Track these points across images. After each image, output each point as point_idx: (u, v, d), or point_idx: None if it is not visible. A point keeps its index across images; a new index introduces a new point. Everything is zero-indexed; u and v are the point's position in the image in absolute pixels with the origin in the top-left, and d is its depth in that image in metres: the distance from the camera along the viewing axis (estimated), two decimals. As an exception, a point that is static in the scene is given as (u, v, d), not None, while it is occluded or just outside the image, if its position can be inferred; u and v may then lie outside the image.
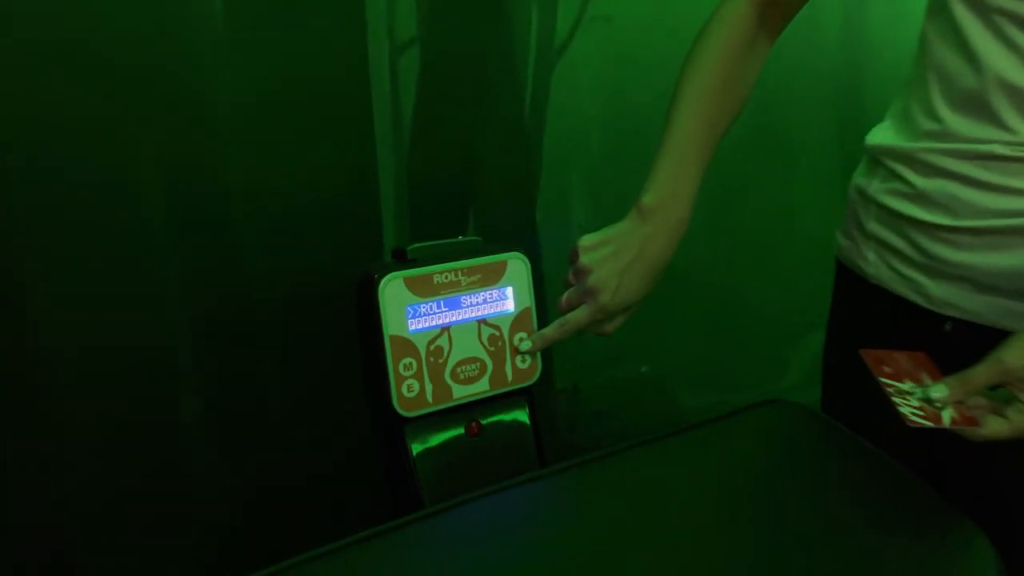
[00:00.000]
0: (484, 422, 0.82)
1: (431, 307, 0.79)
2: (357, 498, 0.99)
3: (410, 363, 0.77)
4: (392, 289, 0.76)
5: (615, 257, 0.79)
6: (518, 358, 0.83)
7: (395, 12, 1.10)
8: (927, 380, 0.66)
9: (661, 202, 0.79)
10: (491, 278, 0.82)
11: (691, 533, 0.63)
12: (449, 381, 0.80)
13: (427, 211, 1.16)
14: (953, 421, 0.62)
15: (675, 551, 0.61)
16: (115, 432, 0.98)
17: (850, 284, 0.85)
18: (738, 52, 0.82)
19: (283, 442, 1.07)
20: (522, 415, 0.84)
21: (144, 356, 0.99)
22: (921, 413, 0.62)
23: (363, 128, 1.09)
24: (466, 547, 0.62)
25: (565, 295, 0.82)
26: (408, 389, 0.77)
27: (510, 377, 0.83)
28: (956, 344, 0.71)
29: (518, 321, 0.83)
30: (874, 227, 0.80)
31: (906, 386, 0.65)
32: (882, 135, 0.80)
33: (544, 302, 0.93)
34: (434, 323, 0.79)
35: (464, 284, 0.80)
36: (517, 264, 0.83)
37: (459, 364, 0.80)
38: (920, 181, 0.74)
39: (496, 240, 0.85)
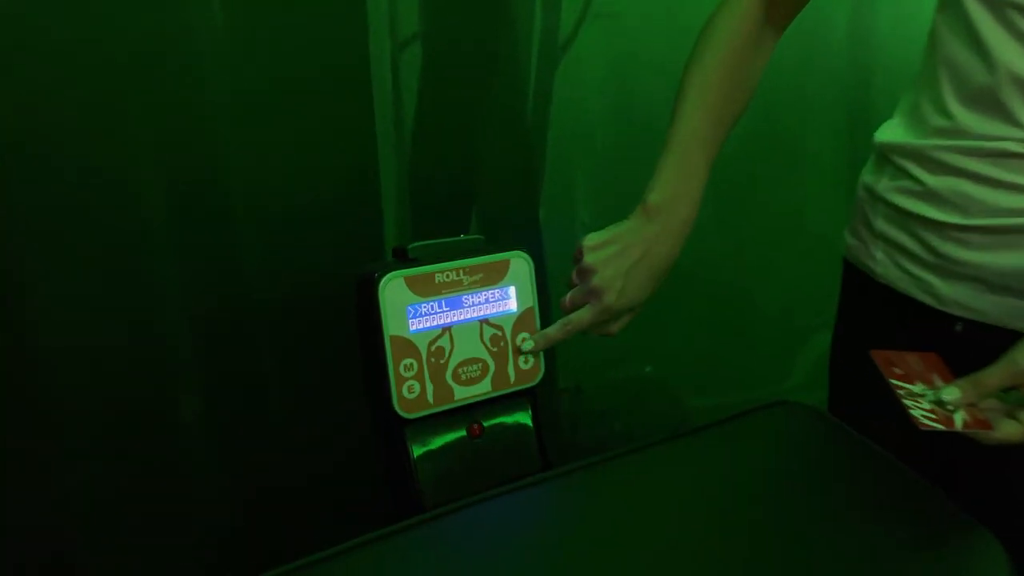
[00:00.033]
0: (486, 424, 0.81)
1: (432, 307, 0.78)
2: (357, 498, 0.98)
3: (411, 364, 0.76)
4: (392, 289, 0.75)
5: (620, 257, 0.78)
6: (521, 359, 0.82)
7: (397, 8, 1.10)
8: (938, 382, 0.65)
9: (667, 201, 0.78)
10: (493, 277, 0.81)
11: (698, 539, 0.62)
12: (450, 382, 0.79)
13: (429, 209, 1.16)
14: (965, 424, 0.61)
15: (682, 557, 0.60)
16: (115, 432, 0.98)
17: (858, 284, 0.84)
18: (743, 47, 0.81)
19: (283, 442, 1.07)
20: (525, 417, 0.83)
21: (144, 356, 0.99)
22: (933, 416, 0.61)
23: (364, 125, 1.09)
24: (467, 552, 0.61)
25: (569, 295, 0.82)
26: (409, 390, 0.76)
27: (512, 378, 0.82)
28: (967, 345, 0.71)
29: (521, 321, 0.82)
30: (883, 226, 0.79)
31: (917, 388, 0.64)
32: (891, 132, 0.79)
33: (547, 302, 0.92)
34: (435, 323, 0.78)
35: (466, 283, 0.79)
36: (520, 263, 0.82)
37: (460, 365, 0.79)
38: (930, 179, 0.73)
39: (499, 239, 0.84)
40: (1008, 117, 0.66)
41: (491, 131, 1.21)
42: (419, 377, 0.77)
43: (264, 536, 1.06)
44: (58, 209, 0.91)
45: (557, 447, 0.90)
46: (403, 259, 0.78)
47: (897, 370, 0.65)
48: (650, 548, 0.61)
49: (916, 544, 0.62)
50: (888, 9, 1.55)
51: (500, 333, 0.81)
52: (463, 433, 0.80)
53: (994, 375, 0.62)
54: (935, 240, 0.73)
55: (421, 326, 0.77)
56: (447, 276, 0.78)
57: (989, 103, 0.67)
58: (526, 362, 0.83)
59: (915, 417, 0.61)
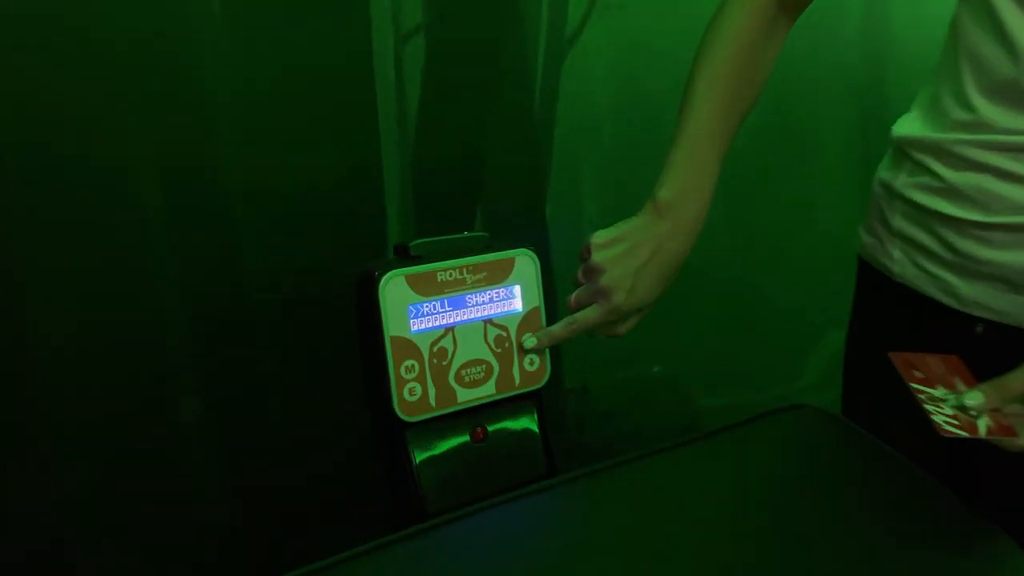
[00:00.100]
0: (490, 428, 0.80)
1: (434, 306, 0.76)
2: (357, 498, 0.98)
3: (412, 365, 0.75)
4: (393, 287, 0.74)
5: (630, 255, 0.76)
6: (526, 360, 0.81)
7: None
8: (960, 386, 0.63)
9: (677, 196, 0.77)
10: (498, 276, 0.80)
11: (709, 548, 0.60)
12: (453, 384, 0.78)
13: (432, 206, 1.15)
14: (989, 431, 0.59)
15: (693, 567, 0.59)
16: (115, 432, 0.97)
17: (873, 283, 0.82)
18: (754, 38, 0.79)
19: (283, 442, 1.07)
20: (530, 420, 0.82)
21: (144, 355, 0.98)
22: (955, 422, 0.59)
23: (366, 120, 1.07)
24: (470, 563, 0.60)
25: (575, 294, 0.80)
26: (410, 393, 0.75)
27: (517, 380, 0.81)
28: (988, 347, 0.69)
29: (526, 321, 0.81)
30: (900, 223, 0.77)
31: (938, 392, 0.62)
32: (909, 126, 0.77)
33: (554, 301, 0.91)
34: (437, 323, 0.77)
35: (469, 282, 0.78)
36: (525, 261, 0.81)
37: (464, 366, 0.78)
38: (950, 174, 0.71)
39: (504, 236, 0.83)
40: None
41: (496, 126, 1.20)
42: (421, 379, 0.76)
43: (264, 536, 1.06)
44: (57, 208, 0.90)
45: (563, 448, 0.90)
46: (404, 257, 0.77)
47: (917, 373, 0.63)
48: (661, 558, 0.59)
49: (938, 554, 0.61)
50: (903, 1, 1.53)
51: (504, 334, 0.80)
52: (466, 437, 0.79)
53: (1019, 379, 0.60)
54: (955, 238, 0.71)
55: (423, 326, 0.76)
56: (450, 275, 0.77)
57: (1014, 96, 0.66)
58: (531, 364, 0.82)
59: (937, 423, 0.59)
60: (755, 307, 1.51)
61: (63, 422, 0.95)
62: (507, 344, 0.80)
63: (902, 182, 0.77)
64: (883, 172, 0.81)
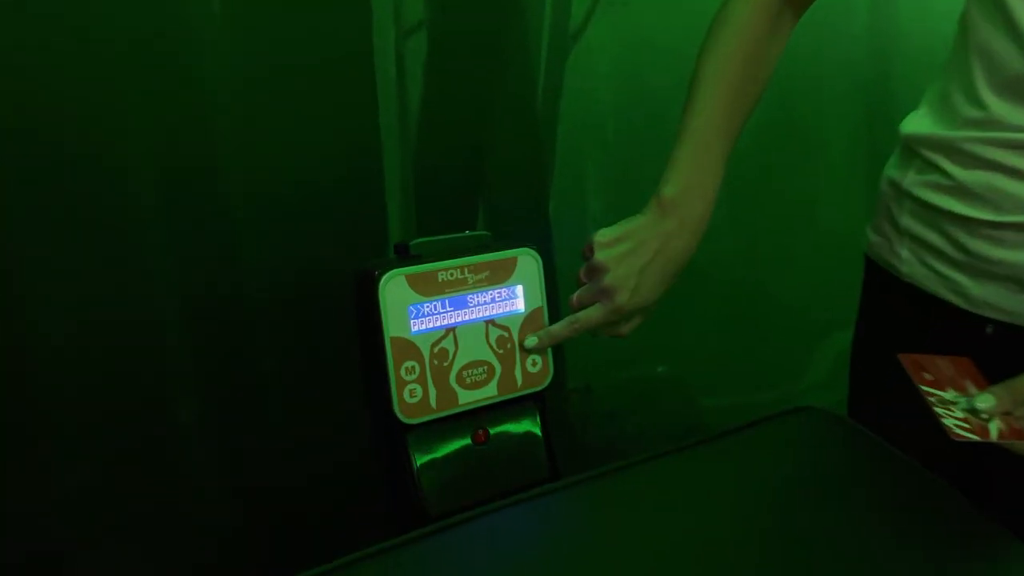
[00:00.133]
0: (492, 430, 0.80)
1: (435, 307, 0.76)
2: (358, 498, 0.98)
3: (412, 367, 0.75)
4: (393, 287, 0.74)
5: (633, 255, 0.75)
6: (528, 361, 0.81)
7: (401, -6, 1.08)
8: (971, 389, 0.62)
9: (682, 194, 0.76)
10: (500, 276, 0.79)
11: (716, 552, 0.60)
12: (454, 386, 0.77)
13: (434, 204, 1.14)
14: (1001, 434, 0.59)
15: (700, 572, 0.58)
16: (115, 432, 0.97)
17: (881, 283, 0.82)
18: (759, 33, 0.79)
19: (283, 442, 1.06)
20: (532, 422, 0.82)
21: (143, 355, 0.98)
22: (966, 426, 0.58)
23: (367, 117, 1.07)
24: (474, 568, 0.59)
25: (577, 293, 0.80)
26: (410, 394, 0.75)
27: (520, 381, 0.80)
28: (998, 348, 0.68)
29: (528, 322, 0.80)
30: (908, 222, 0.76)
31: (949, 395, 0.61)
32: (918, 123, 0.76)
33: (557, 301, 0.90)
34: (438, 324, 0.76)
35: (471, 282, 0.77)
36: (528, 261, 0.80)
37: (465, 368, 0.77)
38: (960, 172, 0.70)
39: (506, 235, 0.83)
40: None
41: (499, 123, 1.20)
42: (421, 381, 0.75)
43: (264, 536, 1.06)
44: (57, 208, 0.90)
45: (566, 449, 0.89)
46: (405, 256, 0.77)
47: (927, 375, 0.63)
48: (667, 564, 0.59)
49: (943, 554, 0.60)
50: (909, -4, 1.53)
51: (507, 334, 0.79)
52: (468, 440, 0.79)
53: None
54: (965, 238, 0.70)
55: (423, 327, 0.75)
56: (451, 274, 0.76)
57: None
58: (534, 365, 0.81)
59: (948, 427, 0.58)
60: (760, 306, 1.50)
61: (63, 422, 0.95)
62: (509, 345, 0.80)
63: (911, 180, 0.76)
64: (891, 170, 0.80)
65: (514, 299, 0.80)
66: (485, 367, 0.78)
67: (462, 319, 0.77)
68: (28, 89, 0.86)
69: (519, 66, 1.20)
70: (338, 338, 0.88)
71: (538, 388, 0.81)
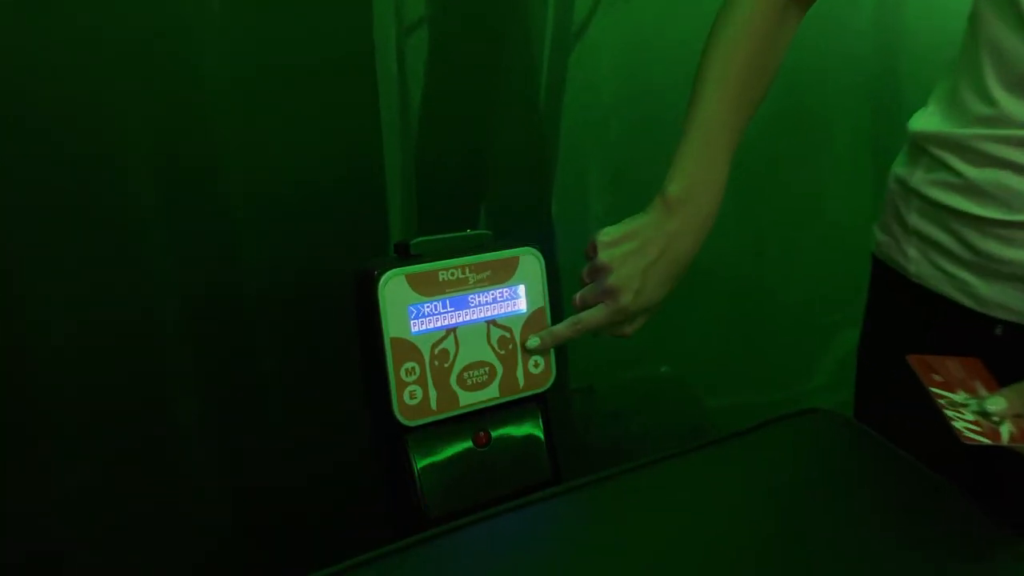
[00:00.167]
0: (493, 432, 0.79)
1: (436, 307, 0.75)
2: (358, 499, 0.98)
3: (412, 368, 0.74)
4: (393, 287, 0.73)
5: (638, 254, 0.75)
6: (530, 362, 0.80)
7: (403, -10, 1.08)
8: (982, 390, 0.61)
9: (688, 191, 0.75)
10: (501, 275, 0.78)
11: (722, 555, 0.59)
12: (455, 387, 0.76)
13: (435, 203, 1.14)
14: (1012, 437, 0.58)
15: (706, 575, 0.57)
16: (114, 432, 0.97)
17: (888, 283, 0.81)
18: (765, 27, 0.78)
19: (283, 442, 1.06)
20: (534, 424, 0.81)
21: (143, 355, 0.98)
22: (977, 428, 0.57)
23: (368, 115, 1.07)
24: (475, 573, 0.58)
25: (580, 293, 0.79)
26: (410, 396, 0.74)
27: (522, 383, 0.80)
28: (1008, 349, 0.67)
29: (530, 322, 0.80)
30: (917, 221, 0.75)
31: (959, 397, 0.60)
32: (926, 120, 0.75)
33: (559, 301, 0.89)
34: (439, 324, 0.75)
35: (472, 282, 0.77)
36: (530, 260, 0.80)
37: (466, 369, 0.77)
38: (970, 171, 0.69)
39: (508, 234, 0.82)
40: None
41: (501, 121, 1.19)
42: (421, 382, 0.74)
43: (264, 536, 1.06)
44: (56, 207, 0.90)
45: (569, 449, 0.89)
46: (405, 255, 0.76)
47: (937, 377, 0.62)
48: (671, 567, 0.58)
49: (950, 556, 0.60)
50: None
51: (508, 335, 0.79)
52: (469, 442, 0.78)
53: None
54: (975, 237, 0.69)
55: (424, 327, 0.75)
56: (452, 274, 0.76)
57: None
58: (536, 366, 0.80)
59: (958, 430, 0.57)
60: (765, 305, 1.50)
61: (63, 422, 0.95)
62: (511, 346, 0.79)
63: (919, 178, 0.75)
64: (899, 168, 0.79)
65: (516, 299, 0.79)
66: (486, 368, 0.78)
67: (463, 319, 0.76)
68: (28, 89, 0.86)
69: (521, 64, 1.20)
70: (338, 338, 0.87)
71: (540, 390, 0.81)
